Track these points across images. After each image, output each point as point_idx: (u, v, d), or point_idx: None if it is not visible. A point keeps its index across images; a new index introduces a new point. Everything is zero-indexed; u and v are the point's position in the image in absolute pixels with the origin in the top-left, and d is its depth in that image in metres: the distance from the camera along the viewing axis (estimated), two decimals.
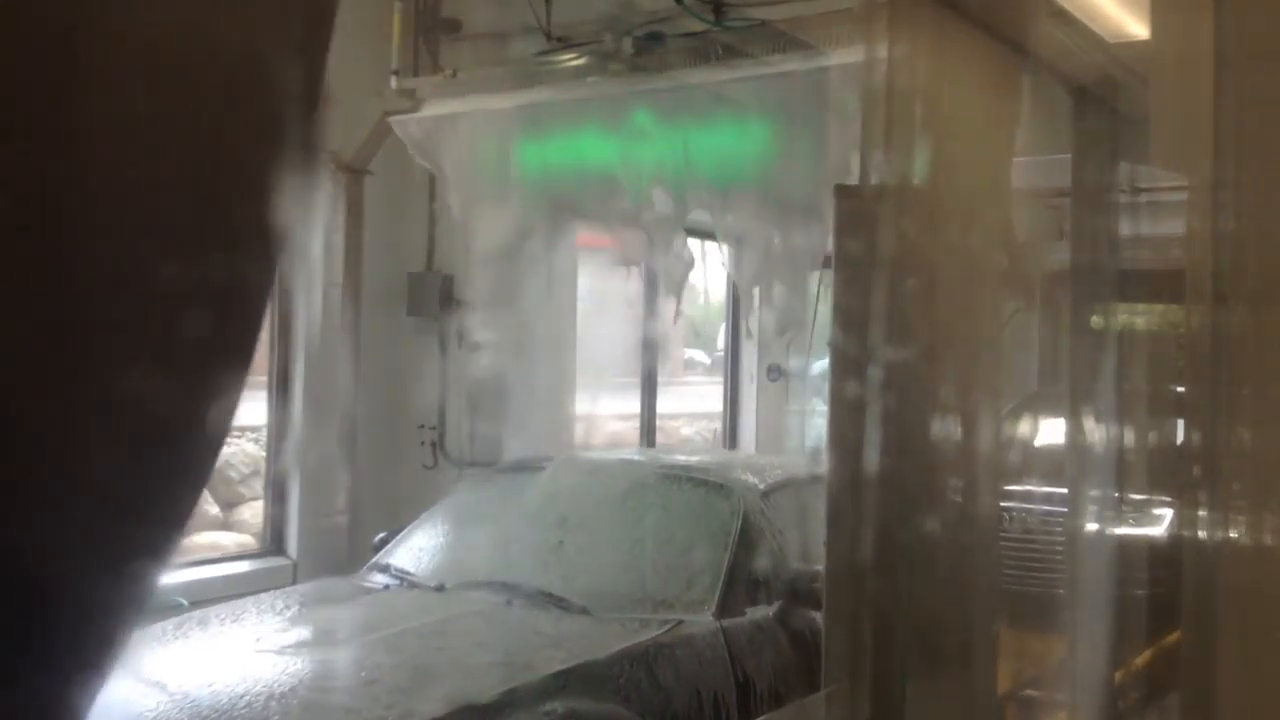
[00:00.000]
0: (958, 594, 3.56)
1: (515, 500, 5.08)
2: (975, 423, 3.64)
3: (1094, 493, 4.49)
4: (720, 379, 9.70)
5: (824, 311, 5.14)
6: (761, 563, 4.57)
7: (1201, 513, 3.20)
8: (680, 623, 4.20)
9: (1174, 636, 3.69)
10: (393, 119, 6.12)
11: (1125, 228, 4.65)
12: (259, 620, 4.24)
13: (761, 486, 4.89)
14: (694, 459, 5.81)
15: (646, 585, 4.45)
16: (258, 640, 4.01)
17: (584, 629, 4.13)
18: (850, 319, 3.31)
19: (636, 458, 6.08)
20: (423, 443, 6.79)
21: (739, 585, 4.44)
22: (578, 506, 4.89)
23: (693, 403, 11.05)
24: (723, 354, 9.76)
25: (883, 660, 3.18)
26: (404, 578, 4.76)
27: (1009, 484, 5.58)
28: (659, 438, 8.83)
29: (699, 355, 12.52)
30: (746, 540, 4.58)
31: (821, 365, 5.86)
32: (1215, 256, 3.10)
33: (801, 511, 4.91)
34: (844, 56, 4.43)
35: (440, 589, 4.54)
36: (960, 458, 3.61)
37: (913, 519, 3.33)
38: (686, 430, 10.92)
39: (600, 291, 7.70)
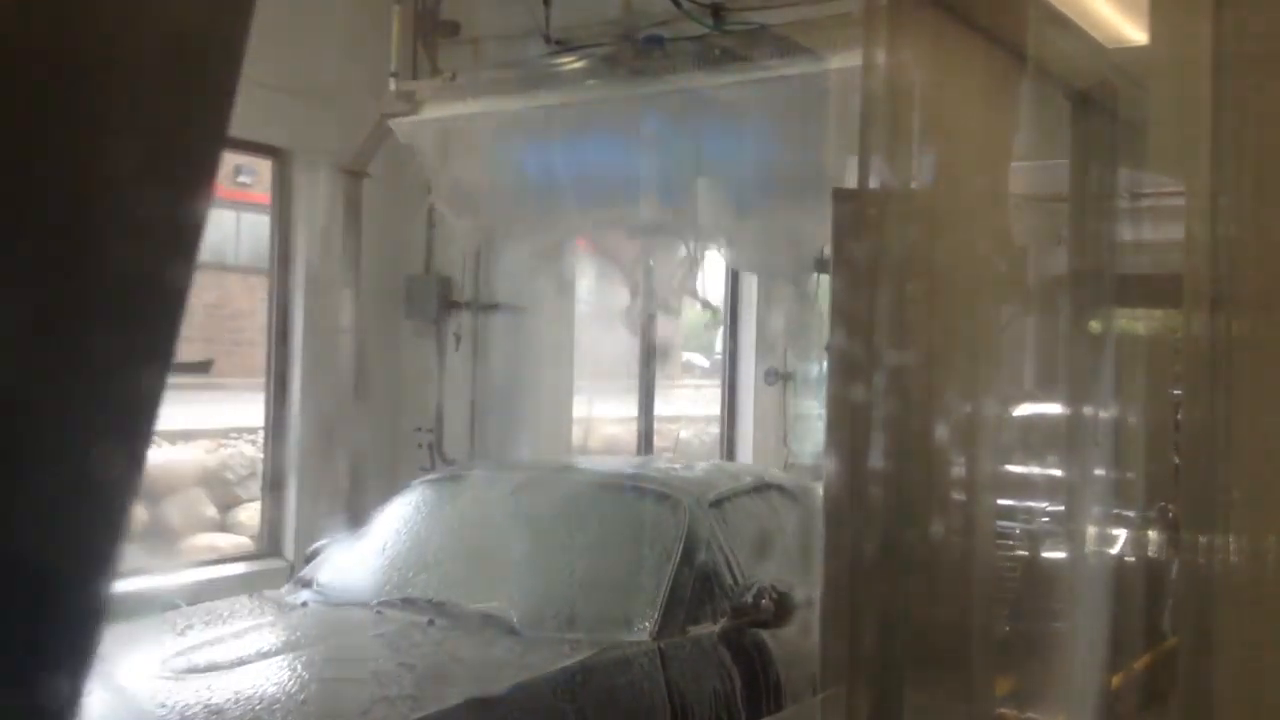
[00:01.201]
0: (956, 598, 3.55)
1: (450, 511, 4.80)
2: (973, 426, 3.64)
3: (1095, 508, 4.48)
4: (719, 382, 9.70)
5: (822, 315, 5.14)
6: (707, 578, 4.23)
7: (1197, 518, 3.20)
8: (614, 644, 3.89)
9: (1170, 644, 3.69)
10: (391, 121, 6.12)
11: (1124, 233, 4.65)
12: (156, 641, 3.82)
13: (711, 496, 4.55)
14: (639, 468, 5.47)
15: (580, 603, 4.12)
16: (154, 665, 3.59)
17: (508, 652, 3.79)
18: (848, 322, 3.31)
19: (578, 465, 5.71)
20: (420, 445, 6.78)
21: (681, 603, 4.10)
22: (511, 517, 4.57)
23: (691, 406, 11.05)
24: (721, 357, 9.76)
25: (880, 665, 3.17)
26: (324, 594, 4.36)
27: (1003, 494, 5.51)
28: (656, 440, 8.83)
29: (697, 358, 12.53)
30: (691, 554, 4.24)
31: (821, 368, 5.84)
32: (1214, 262, 3.10)
33: (755, 522, 4.66)
34: (843, 61, 4.42)
35: (361, 606, 4.17)
36: (958, 461, 3.61)
37: (911, 523, 3.33)
38: (683, 434, 10.94)
39: (599, 294, 7.69)
